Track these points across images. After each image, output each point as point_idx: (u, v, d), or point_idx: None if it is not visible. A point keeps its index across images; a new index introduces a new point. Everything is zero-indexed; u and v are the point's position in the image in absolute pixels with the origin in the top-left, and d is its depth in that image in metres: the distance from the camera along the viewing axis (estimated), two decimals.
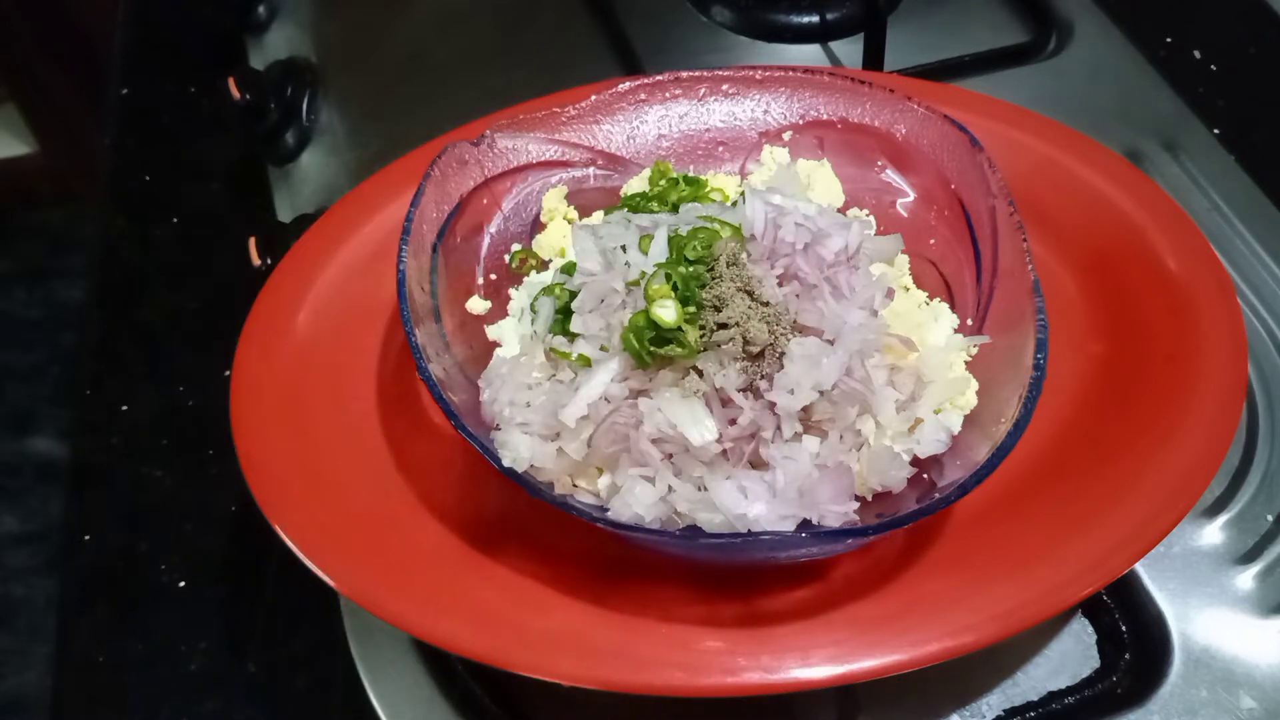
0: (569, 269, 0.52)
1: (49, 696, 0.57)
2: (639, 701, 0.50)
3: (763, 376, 0.45)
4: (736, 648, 0.45)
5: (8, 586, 0.64)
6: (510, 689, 0.52)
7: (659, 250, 0.48)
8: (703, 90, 0.62)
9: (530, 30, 0.88)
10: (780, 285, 0.48)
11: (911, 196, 0.60)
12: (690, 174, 0.61)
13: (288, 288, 0.59)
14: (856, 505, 0.45)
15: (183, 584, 0.59)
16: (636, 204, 0.58)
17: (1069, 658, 0.52)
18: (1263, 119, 0.76)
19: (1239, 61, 0.80)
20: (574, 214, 0.61)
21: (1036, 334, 0.47)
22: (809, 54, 0.83)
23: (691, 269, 0.47)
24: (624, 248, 0.49)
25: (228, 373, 0.56)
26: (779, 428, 0.45)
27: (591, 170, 0.62)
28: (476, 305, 0.58)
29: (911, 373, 0.49)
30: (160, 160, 0.83)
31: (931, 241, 0.59)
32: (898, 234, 0.54)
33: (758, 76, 0.62)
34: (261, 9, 0.91)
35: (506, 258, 0.60)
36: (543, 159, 0.61)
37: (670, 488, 0.45)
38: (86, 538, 0.61)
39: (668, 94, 0.62)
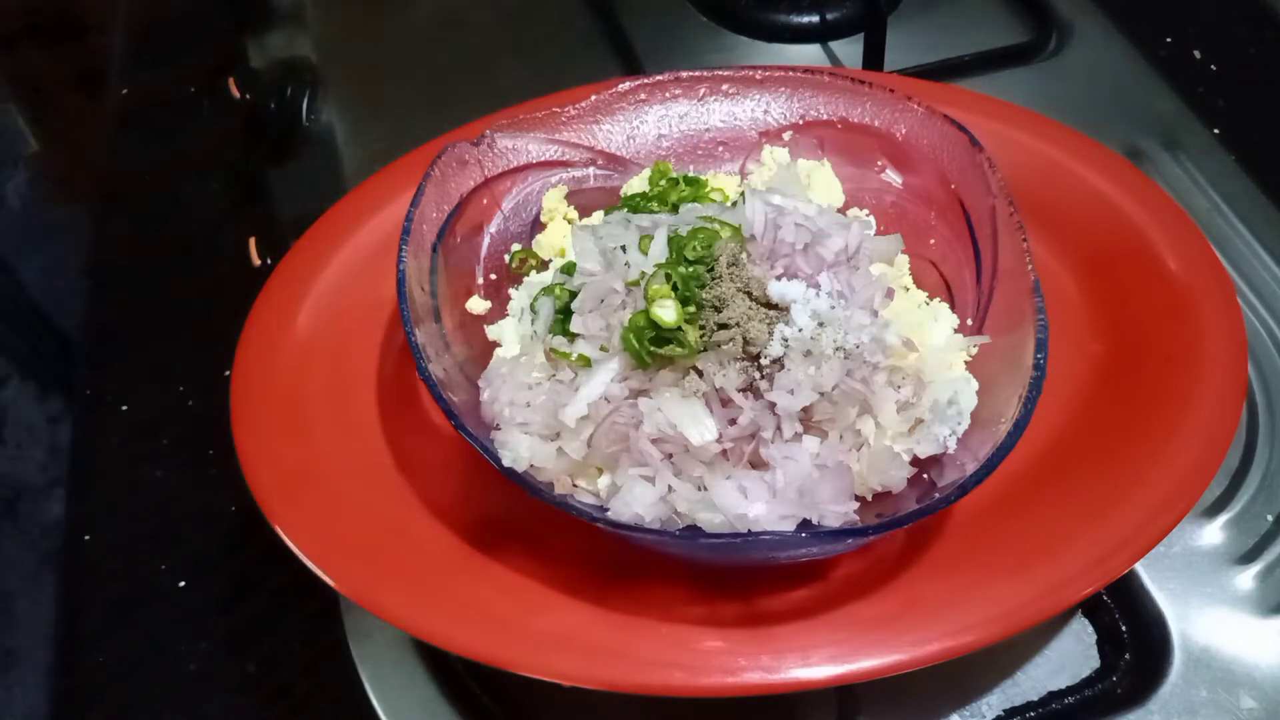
0: (569, 269, 0.52)
1: (49, 697, 0.57)
2: (639, 701, 0.50)
3: (763, 376, 0.45)
4: (736, 648, 0.45)
5: (8, 587, 0.64)
6: (510, 689, 0.52)
7: (659, 250, 0.48)
8: (703, 90, 0.62)
9: (530, 30, 0.88)
10: None
11: (912, 196, 0.60)
12: (690, 174, 0.61)
13: (288, 288, 0.59)
14: (856, 505, 0.45)
15: (183, 584, 0.59)
16: (636, 204, 0.58)
17: (1069, 658, 0.52)
18: (1263, 119, 0.76)
19: (1239, 61, 0.80)
20: (574, 214, 0.61)
21: (1036, 334, 0.47)
22: (809, 54, 0.83)
23: (691, 269, 0.47)
24: (624, 248, 0.49)
25: (228, 373, 0.56)
26: (779, 428, 0.45)
27: (591, 170, 0.62)
28: (476, 305, 0.58)
29: (911, 373, 0.49)
30: (160, 160, 0.83)
31: (931, 241, 0.59)
32: (898, 234, 0.54)
33: (758, 76, 0.62)
34: (261, 9, 0.91)
35: (506, 258, 0.60)
36: (543, 159, 0.61)
37: (670, 488, 0.45)
38: (86, 538, 0.61)
39: (668, 94, 0.62)
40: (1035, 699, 0.51)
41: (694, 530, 0.45)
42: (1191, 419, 0.50)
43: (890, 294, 0.50)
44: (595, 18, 0.88)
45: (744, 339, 0.45)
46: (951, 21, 0.85)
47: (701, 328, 0.46)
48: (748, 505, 0.44)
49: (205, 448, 0.64)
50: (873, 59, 0.77)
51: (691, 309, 0.46)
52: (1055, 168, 0.61)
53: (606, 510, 0.45)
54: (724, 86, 0.62)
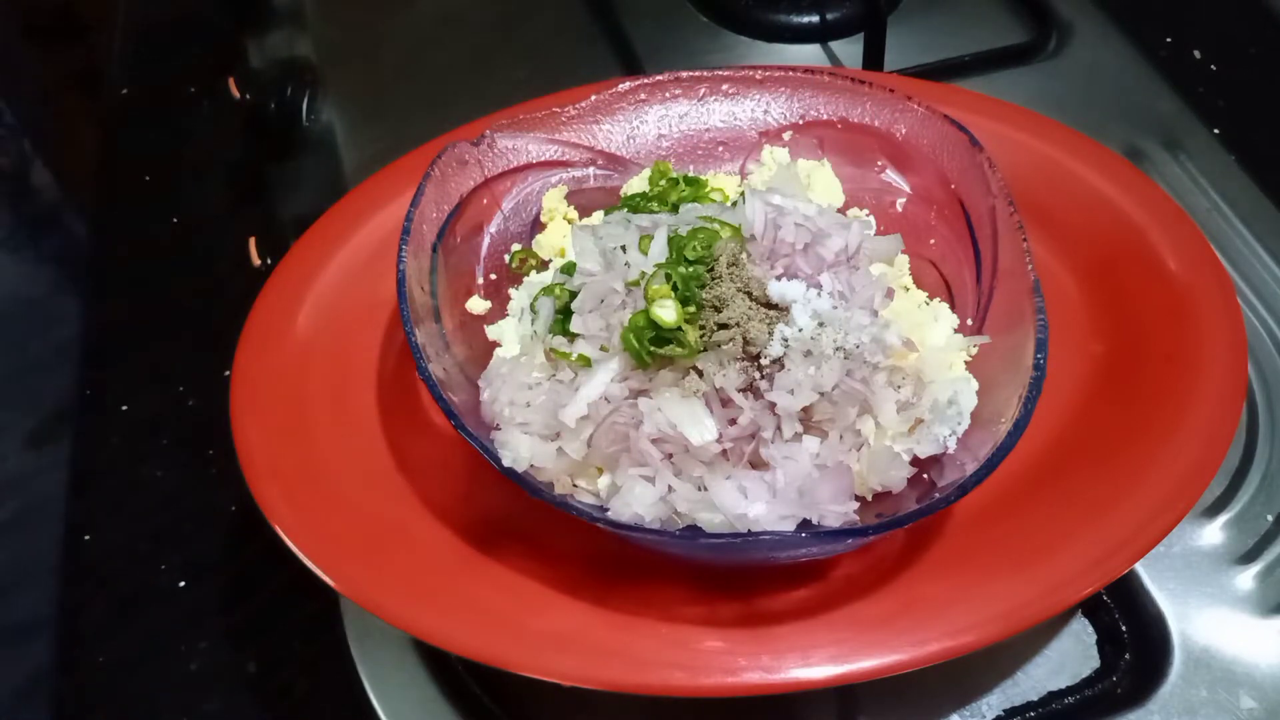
0: (569, 269, 0.52)
1: (49, 696, 0.57)
2: (639, 701, 0.50)
3: (763, 376, 0.45)
4: (736, 648, 0.45)
5: (8, 586, 0.65)
6: (510, 689, 0.52)
7: (659, 250, 0.48)
8: (703, 90, 0.62)
9: (530, 30, 0.88)
10: None
11: (911, 196, 0.60)
12: (690, 174, 0.61)
13: (288, 288, 0.59)
14: (856, 505, 0.45)
15: (183, 584, 0.59)
16: (636, 204, 0.58)
17: (1069, 658, 0.52)
18: (1263, 119, 0.76)
19: (1239, 61, 0.80)
20: (574, 214, 0.61)
21: (1036, 334, 0.47)
22: (809, 54, 0.83)
23: (691, 269, 0.47)
24: (624, 248, 0.49)
25: (228, 373, 0.56)
26: (779, 428, 0.45)
27: (591, 170, 0.62)
28: (476, 305, 0.58)
29: (911, 373, 0.49)
30: (160, 160, 0.83)
31: (931, 241, 0.59)
32: (898, 234, 0.54)
33: (758, 76, 0.62)
34: (261, 9, 0.92)
35: (506, 258, 0.60)
36: (543, 159, 0.61)
37: (670, 488, 0.45)
38: (86, 538, 0.61)
39: (668, 94, 0.62)
40: (1035, 699, 0.51)
41: (694, 530, 0.45)
42: (1191, 419, 0.50)
43: (890, 294, 0.50)
44: (595, 18, 0.88)
45: (744, 339, 0.45)
46: (951, 21, 0.85)
47: (701, 328, 0.46)
48: (748, 505, 0.44)
49: (205, 448, 0.64)
50: (873, 59, 0.77)
51: (691, 309, 0.46)
52: (1055, 168, 0.61)
53: (606, 510, 0.45)
54: (724, 86, 0.62)
